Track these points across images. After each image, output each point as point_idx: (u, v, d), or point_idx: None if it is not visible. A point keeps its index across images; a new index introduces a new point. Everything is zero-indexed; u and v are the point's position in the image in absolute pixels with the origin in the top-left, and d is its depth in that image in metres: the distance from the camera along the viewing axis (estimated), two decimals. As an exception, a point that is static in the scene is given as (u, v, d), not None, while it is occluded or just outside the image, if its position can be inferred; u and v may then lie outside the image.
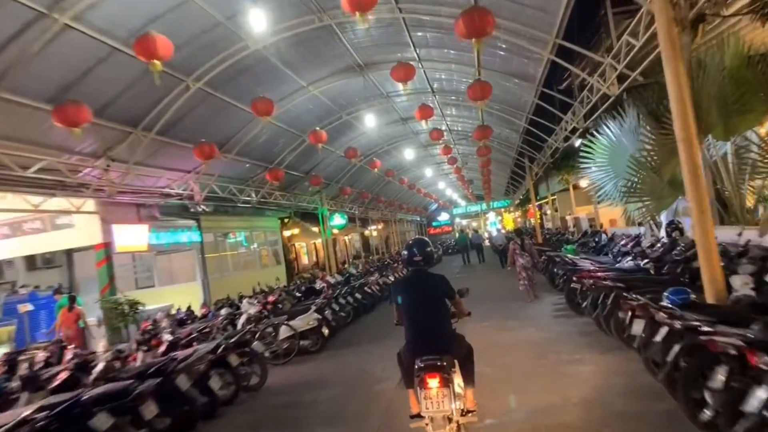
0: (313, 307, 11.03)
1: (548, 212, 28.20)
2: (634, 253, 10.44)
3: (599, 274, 8.56)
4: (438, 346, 4.52)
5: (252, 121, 14.31)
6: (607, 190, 10.78)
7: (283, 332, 10.05)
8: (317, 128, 14.35)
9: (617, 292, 7.17)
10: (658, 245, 9.72)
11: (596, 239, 15.77)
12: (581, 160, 11.76)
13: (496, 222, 56.75)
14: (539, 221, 40.13)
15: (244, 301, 12.85)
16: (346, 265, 26.22)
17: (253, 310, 11.20)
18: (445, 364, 4.36)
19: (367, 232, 38.15)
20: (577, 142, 14.72)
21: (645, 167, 9.14)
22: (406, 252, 5.05)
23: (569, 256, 12.59)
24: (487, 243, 33.58)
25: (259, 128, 14.51)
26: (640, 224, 12.62)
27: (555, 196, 29.69)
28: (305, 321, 10.37)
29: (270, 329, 10.14)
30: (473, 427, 4.98)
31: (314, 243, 31.05)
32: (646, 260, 9.14)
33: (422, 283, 4.87)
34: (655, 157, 8.99)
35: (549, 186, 28.71)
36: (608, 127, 10.56)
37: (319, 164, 21.05)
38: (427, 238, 5.32)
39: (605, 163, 10.82)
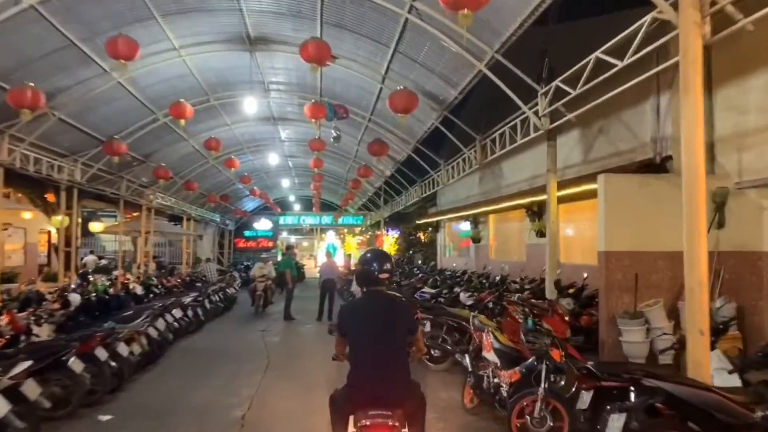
0: None
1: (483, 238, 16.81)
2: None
3: None
4: (391, 398, 3.64)
5: (100, 75, 11.01)
6: None
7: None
8: (182, 100, 11.48)
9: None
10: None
11: None
12: None
13: (335, 245, 40.34)
14: (396, 250, 29.23)
15: None
16: None
17: None
18: (397, 424, 3.55)
19: (58, 219, 14.84)
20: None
21: None
22: (363, 267, 3.97)
23: None
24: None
25: (108, 85, 11.15)
26: None
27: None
28: None
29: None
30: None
31: None
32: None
33: (383, 312, 3.87)
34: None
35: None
36: None
37: (166, 149, 17.52)
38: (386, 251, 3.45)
39: None
